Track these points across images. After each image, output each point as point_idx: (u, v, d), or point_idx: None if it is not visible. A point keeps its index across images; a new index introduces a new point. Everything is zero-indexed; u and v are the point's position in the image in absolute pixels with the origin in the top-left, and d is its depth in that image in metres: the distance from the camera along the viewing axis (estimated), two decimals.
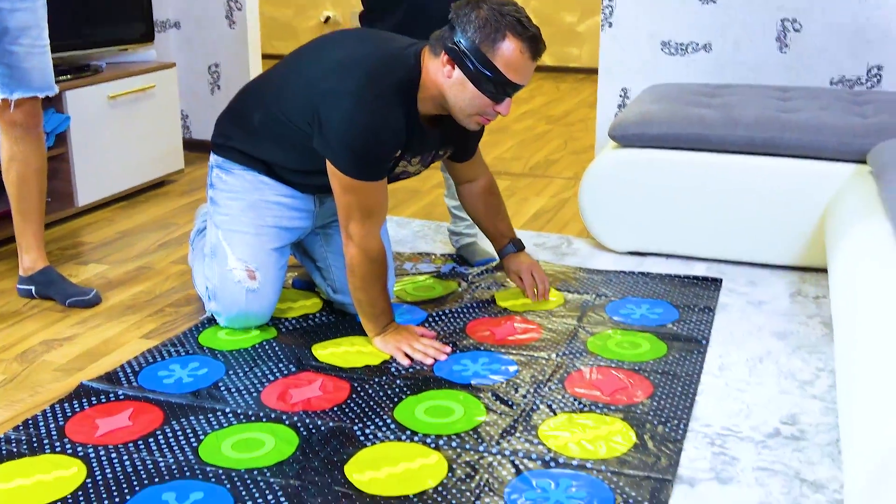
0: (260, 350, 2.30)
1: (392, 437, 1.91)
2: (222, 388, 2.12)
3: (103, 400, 2.09)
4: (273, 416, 2.00)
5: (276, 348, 2.29)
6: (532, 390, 2.11)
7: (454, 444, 1.89)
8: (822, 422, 2.00)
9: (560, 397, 2.08)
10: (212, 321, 2.48)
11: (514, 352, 2.32)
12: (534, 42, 2.05)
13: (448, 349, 2.26)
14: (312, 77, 2.20)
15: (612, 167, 2.93)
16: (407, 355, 2.22)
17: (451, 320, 2.49)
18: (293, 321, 2.45)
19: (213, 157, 2.41)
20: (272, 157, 2.30)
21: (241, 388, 2.12)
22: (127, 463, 1.83)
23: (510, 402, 2.05)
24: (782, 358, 2.29)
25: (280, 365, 2.21)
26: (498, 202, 2.57)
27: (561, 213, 3.48)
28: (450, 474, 1.78)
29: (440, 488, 1.74)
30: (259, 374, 2.18)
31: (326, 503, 1.69)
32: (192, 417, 2.00)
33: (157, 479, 1.77)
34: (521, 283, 2.53)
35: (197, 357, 2.29)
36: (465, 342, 2.36)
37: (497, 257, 2.77)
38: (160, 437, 1.93)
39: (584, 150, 4.39)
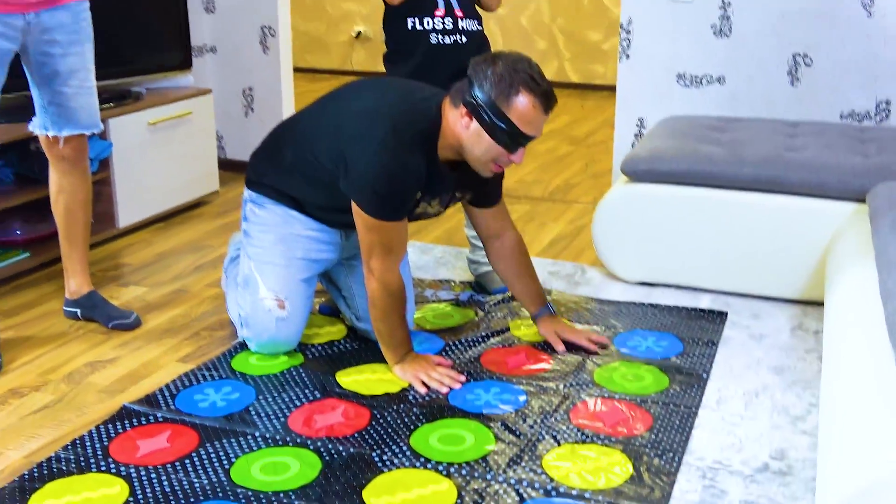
0: (288, 376, 2.40)
1: (407, 463, 2.00)
2: (252, 413, 2.21)
3: (144, 422, 2.18)
4: (299, 440, 2.09)
5: (303, 374, 2.40)
6: (539, 420, 2.18)
7: (464, 471, 1.97)
8: (808, 457, 2.03)
9: (565, 428, 2.15)
10: (244, 346, 2.57)
11: (524, 382, 2.37)
12: (546, 97, 2.15)
13: (462, 378, 2.36)
14: (341, 121, 2.31)
15: (624, 201, 2.99)
16: (424, 383, 2.32)
17: (467, 349, 2.57)
18: (319, 347, 2.56)
19: (247, 192, 2.53)
20: (302, 194, 2.41)
21: (270, 412, 2.22)
22: (165, 483, 1.92)
23: (518, 432, 2.12)
24: (777, 393, 2.32)
25: (306, 391, 2.31)
26: (527, 262, 2.58)
27: (577, 240, 3.51)
28: (458, 501, 1.86)
29: None
30: (287, 399, 2.28)
31: None
32: (224, 440, 2.10)
33: (192, 500, 1.86)
34: (559, 344, 2.53)
35: (230, 382, 2.38)
36: (479, 371, 2.43)
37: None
38: (195, 458, 2.02)
39: (604, 173, 4.38)
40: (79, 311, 2.76)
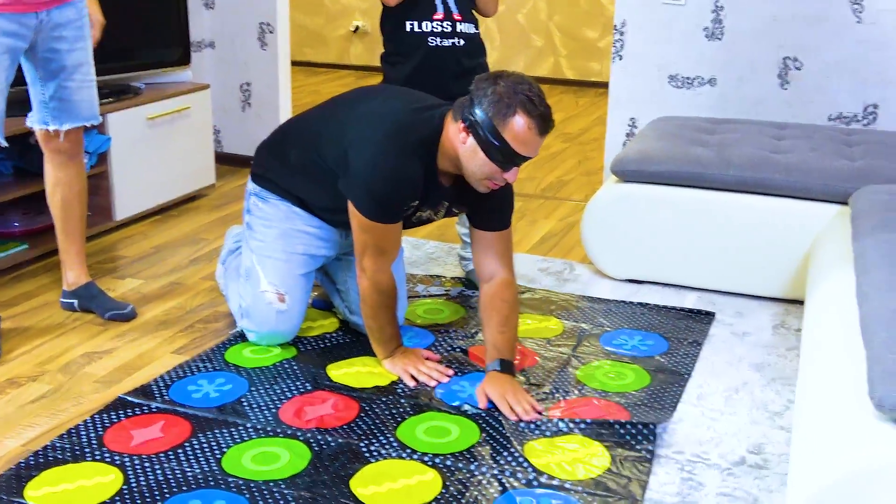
0: (280, 368, 2.44)
1: (394, 454, 2.04)
2: (244, 404, 2.25)
3: (138, 412, 2.21)
4: (289, 431, 2.13)
5: (295, 367, 2.44)
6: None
7: (448, 462, 2.01)
8: (785, 452, 2.08)
9: (547, 421, 2.18)
10: (238, 338, 2.61)
11: None
12: (542, 120, 2.14)
13: (450, 372, 2.41)
14: (346, 123, 2.35)
15: (613, 200, 3.04)
16: (413, 377, 2.37)
17: (456, 347, 2.60)
18: (312, 340, 2.60)
19: (251, 185, 2.58)
20: (304, 193, 2.46)
21: (262, 404, 2.25)
22: (158, 472, 1.96)
23: (501, 425, 2.16)
24: (757, 389, 2.37)
25: (297, 383, 2.35)
26: (508, 314, 2.36)
27: (567, 237, 3.54)
28: (443, 491, 1.91)
29: (434, 502, 1.86)
30: (278, 391, 2.32)
31: None
32: (216, 431, 2.13)
33: (185, 488, 1.90)
34: (481, 401, 2.27)
35: (223, 373, 2.42)
36: (466, 365, 2.47)
37: None
38: (188, 448, 2.05)
39: (596, 171, 4.40)
40: (76, 302, 2.79)
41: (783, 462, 2.05)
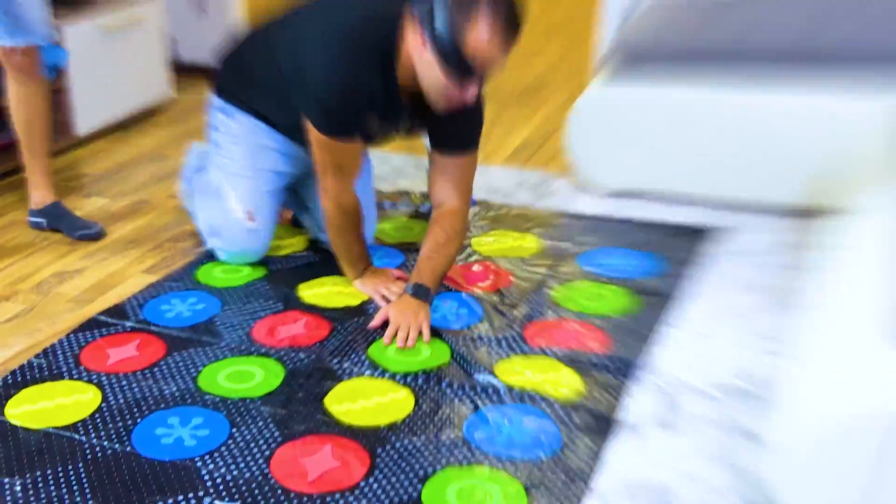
0: (251, 288, 2.47)
1: (367, 373, 2.08)
2: (217, 324, 2.28)
3: (113, 331, 2.24)
4: (262, 350, 2.17)
5: (267, 287, 2.46)
6: (494, 335, 2.24)
7: (420, 381, 2.05)
8: (775, 377, 1.94)
9: (519, 343, 2.20)
10: (208, 258, 2.62)
11: (483, 297, 2.42)
12: (509, 24, 1.93)
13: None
14: (302, 36, 2.26)
15: (604, 103, 2.86)
16: (384, 297, 2.37)
17: None
18: (282, 260, 2.61)
19: (215, 100, 2.51)
20: (268, 110, 2.43)
21: (235, 323, 2.29)
22: (136, 389, 2.01)
23: (473, 345, 2.19)
24: (753, 313, 2.30)
25: (269, 303, 2.38)
26: (447, 242, 2.34)
27: (546, 146, 3.41)
28: (416, 408, 1.95)
29: (407, 421, 1.91)
30: (250, 310, 2.35)
31: (309, 430, 1.87)
32: (191, 350, 2.17)
33: (162, 405, 1.95)
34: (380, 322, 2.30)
35: (195, 293, 2.44)
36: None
37: (472, 198, 2.90)
38: (164, 367, 2.10)
39: (583, 63, 4.03)
40: (44, 221, 2.81)
41: (773, 390, 1.92)
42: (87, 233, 2.77)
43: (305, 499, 1.71)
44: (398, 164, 3.33)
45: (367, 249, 2.48)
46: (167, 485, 1.74)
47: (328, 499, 1.71)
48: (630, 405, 1.98)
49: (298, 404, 1.98)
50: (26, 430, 1.88)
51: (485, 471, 1.79)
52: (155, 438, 1.87)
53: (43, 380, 2.05)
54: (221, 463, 1.80)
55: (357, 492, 1.73)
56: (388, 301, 2.35)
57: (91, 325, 2.28)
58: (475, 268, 2.60)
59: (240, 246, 2.53)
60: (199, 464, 1.79)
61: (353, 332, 2.28)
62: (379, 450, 1.85)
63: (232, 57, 2.51)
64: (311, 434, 1.89)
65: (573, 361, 2.15)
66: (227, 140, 2.51)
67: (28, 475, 1.75)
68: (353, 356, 2.17)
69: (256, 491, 1.73)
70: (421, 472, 1.79)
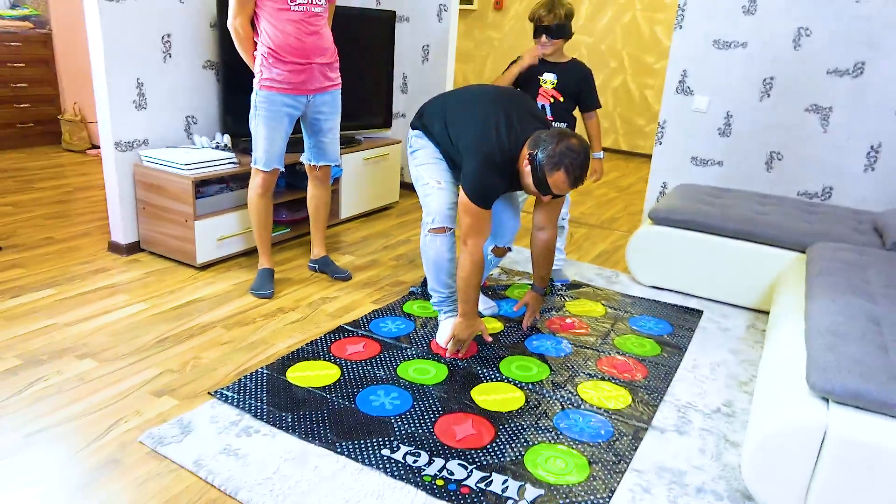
0: (434, 319, 2.48)
1: (498, 378, 2.10)
2: (411, 338, 2.33)
3: (350, 335, 2.31)
4: (436, 357, 2.21)
5: None
6: (577, 363, 2.23)
7: (529, 387, 2.06)
8: (747, 407, 2.06)
9: (592, 370, 2.20)
10: (410, 297, 2.65)
11: (571, 339, 2.41)
12: (576, 179, 1.96)
13: (472, 352, 2.23)
14: (464, 132, 2.08)
15: (647, 235, 2.95)
16: (452, 349, 2.20)
17: (539, 316, 2.57)
18: None
19: (411, 131, 2.29)
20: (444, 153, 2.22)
21: (421, 338, 2.33)
22: (360, 371, 2.08)
23: (563, 369, 2.19)
24: (732, 366, 2.31)
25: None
26: (548, 255, 2.33)
27: (615, 255, 3.46)
28: (525, 404, 1.96)
29: (519, 410, 1.92)
30: (431, 332, 2.39)
31: (460, 408, 1.90)
32: (394, 351, 2.22)
33: (375, 383, 2.01)
34: (522, 305, 2.41)
35: (400, 318, 2.48)
36: (544, 330, 2.47)
37: (569, 279, 2.91)
38: (377, 360, 2.15)
39: (637, 213, 4.32)
40: (317, 266, 2.88)
41: (745, 415, 2.02)
42: (341, 275, 2.82)
43: (453, 450, 1.73)
44: (527, 256, 3.34)
45: (478, 299, 2.21)
46: (373, 430, 1.79)
47: (467, 452, 1.72)
48: (658, 416, 1.97)
49: (455, 392, 2.01)
50: (297, 386, 1.97)
51: (564, 448, 1.78)
52: (369, 402, 1.92)
53: (308, 359, 2.13)
54: (406, 422, 1.84)
55: (485, 450, 1.74)
56: (457, 345, 2.20)
57: (339, 330, 2.35)
58: (567, 320, 2.58)
59: (440, 202, 2.19)
60: (393, 421, 1.84)
61: (492, 353, 2.28)
62: (501, 426, 1.85)
63: (421, 117, 2.27)
64: (460, 411, 1.91)
65: (625, 384, 2.12)
66: (421, 151, 2.26)
67: (295, 412, 1.84)
68: (491, 367, 2.18)
69: (424, 441, 1.75)
70: (525, 443, 1.78)
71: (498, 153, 2.03)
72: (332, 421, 1.82)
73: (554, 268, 3.00)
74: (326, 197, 2.84)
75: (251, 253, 3.05)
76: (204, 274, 2.82)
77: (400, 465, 1.66)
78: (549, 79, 2.59)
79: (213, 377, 2.02)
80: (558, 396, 2.03)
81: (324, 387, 1.98)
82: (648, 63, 6.40)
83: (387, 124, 3.96)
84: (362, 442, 1.73)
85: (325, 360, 2.14)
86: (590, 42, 6.63)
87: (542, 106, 2.64)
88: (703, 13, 3.44)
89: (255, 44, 2.44)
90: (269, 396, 1.91)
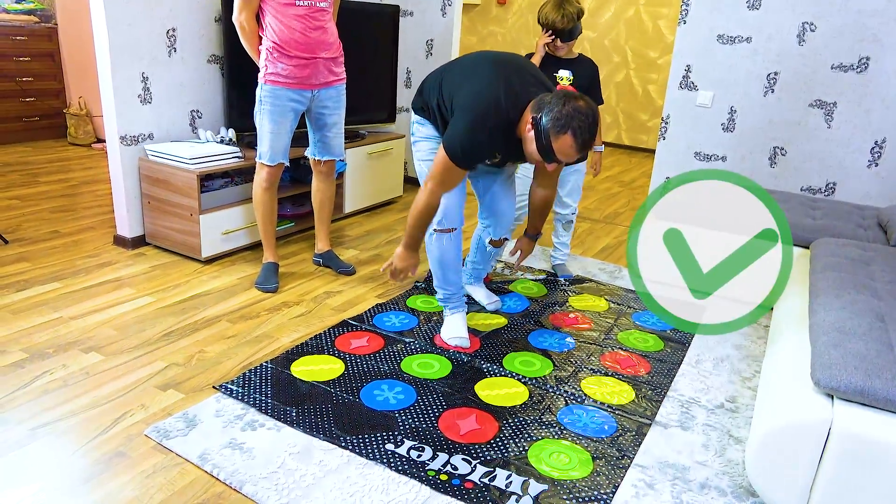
0: (438, 314, 2.48)
1: (501, 374, 2.09)
2: (415, 332, 2.32)
3: (354, 329, 2.30)
4: (439, 351, 2.20)
5: None
6: (580, 358, 2.22)
7: (532, 383, 2.05)
8: (750, 403, 2.04)
9: (596, 365, 2.19)
10: (414, 291, 2.64)
11: (574, 334, 2.40)
12: (583, 144, 1.82)
13: (408, 276, 2.19)
14: (460, 89, 1.99)
15: (647, 231, 2.92)
16: (393, 273, 2.16)
17: (542, 312, 2.58)
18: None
19: (413, 115, 2.24)
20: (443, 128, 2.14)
21: (424, 332, 2.32)
22: (364, 365, 2.07)
23: (567, 364, 2.18)
24: (735, 361, 2.30)
25: None
26: (544, 209, 2.29)
27: (618, 250, 3.44)
28: (528, 399, 1.95)
29: (523, 405, 1.92)
30: (434, 327, 2.38)
31: (463, 403, 1.89)
32: (398, 345, 2.21)
33: (379, 377, 2.00)
34: (517, 250, 2.39)
35: (404, 313, 2.47)
36: (547, 325, 2.46)
37: (572, 274, 2.89)
38: (382, 354, 2.15)
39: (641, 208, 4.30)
40: (321, 260, 2.87)
41: (749, 409, 2.01)
42: (345, 270, 2.82)
43: (457, 445, 1.72)
44: (538, 251, 3.20)
45: (420, 240, 2.13)
46: (377, 424, 1.78)
47: (471, 447, 1.72)
48: (662, 411, 1.96)
49: (458, 387, 2.00)
50: (301, 380, 1.97)
51: (568, 443, 1.77)
52: (373, 396, 1.91)
53: (313, 353, 2.13)
54: (410, 416, 1.83)
55: (488, 445, 1.73)
56: (393, 275, 2.18)
57: (343, 325, 2.34)
58: (571, 315, 2.57)
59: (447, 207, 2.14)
60: (397, 415, 1.83)
61: (496, 348, 2.27)
62: (504, 421, 1.84)
63: (421, 94, 2.20)
64: (464, 406, 1.90)
65: (629, 380, 2.11)
66: (423, 140, 2.22)
67: (300, 406, 1.84)
68: (494, 362, 2.17)
69: (428, 436, 1.75)
70: (528, 438, 1.78)
71: (493, 115, 1.90)
72: (336, 415, 1.81)
73: (557, 263, 3.00)
74: (331, 191, 2.83)
75: (256, 247, 3.04)
76: (209, 268, 2.81)
77: (404, 459, 1.66)
78: (565, 75, 2.57)
79: (219, 371, 2.02)
80: (562, 392, 2.02)
81: (328, 381, 1.97)
82: (652, 58, 6.36)
83: (391, 119, 3.93)
84: (367, 436, 1.73)
85: (329, 354, 2.14)
86: (593, 37, 6.59)
87: None
88: (708, 8, 3.41)
89: (261, 38, 2.43)
90: (274, 390, 1.91)
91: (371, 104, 3.78)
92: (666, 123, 3.64)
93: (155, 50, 2.86)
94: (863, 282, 2.06)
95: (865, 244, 2.48)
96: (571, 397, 1.99)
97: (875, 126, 3.16)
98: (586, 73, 2.63)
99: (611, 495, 1.59)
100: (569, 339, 2.37)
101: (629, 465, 1.70)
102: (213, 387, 1.93)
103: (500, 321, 2.48)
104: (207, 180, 2.88)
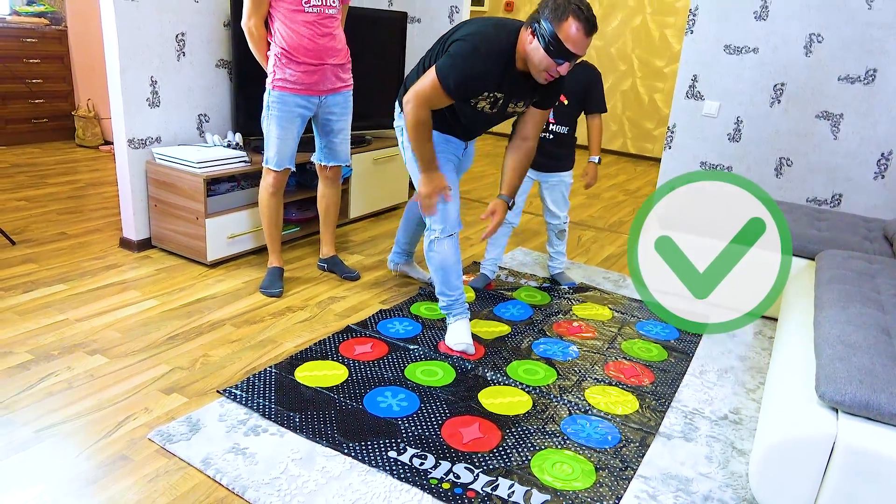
0: (441, 321, 2.47)
1: (505, 382, 2.08)
2: (419, 339, 2.32)
3: (358, 335, 2.30)
4: (443, 358, 2.19)
5: None
6: (584, 367, 2.21)
7: (536, 391, 2.04)
8: (754, 415, 2.03)
9: (599, 374, 2.18)
10: (418, 298, 2.62)
11: (577, 343, 2.39)
12: (588, 23, 1.84)
13: (447, 194, 2.14)
14: (447, 40, 2.02)
15: (648, 241, 2.91)
16: (425, 203, 2.13)
17: (545, 320, 2.57)
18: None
19: (399, 120, 2.23)
20: (435, 124, 2.19)
21: (428, 339, 2.32)
22: (368, 372, 2.06)
23: (570, 373, 2.17)
24: (740, 372, 2.29)
25: None
26: (521, 167, 2.22)
27: (622, 258, 3.43)
28: (532, 408, 1.94)
29: (526, 414, 1.91)
30: (439, 334, 2.37)
31: (467, 411, 1.88)
32: (402, 352, 2.20)
33: (382, 384, 2.00)
34: (490, 213, 2.23)
35: (408, 319, 2.47)
36: (551, 334, 2.45)
37: (575, 282, 2.89)
38: (386, 361, 2.14)
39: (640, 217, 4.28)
40: (326, 265, 2.88)
41: (753, 422, 2.00)
42: (350, 275, 2.82)
43: (460, 453, 1.72)
44: (535, 258, 3.33)
45: (434, 155, 2.09)
46: (380, 431, 1.78)
47: (473, 456, 1.71)
48: (665, 422, 1.95)
49: (462, 394, 1.99)
50: (305, 386, 1.97)
51: (570, 453, 1.76)
52: (376, 403, 1.91)
53: (317, 358, 2.13)
54: (413, 424, 1.83)
55: (491, 454, 1.73)
56: (431, 204, 2.11)
57: (347, 330, 2.34)
58: (574, 324, 2.56)
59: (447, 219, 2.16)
60: (400, 422, 1.83)
61: (499, 355, 2.26)
62: (507, 430, 1.84)
63: (405, 82, 2.20)
64: (467, 414, 1.90)
65: (632, 390, 2.10)
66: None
67: (303, 412, 1.84)
68: (498, 370, 2.16)
69: (431, 444, 1.74)
70: (531, 448, 1.77)
71: (487, 42, 1.90)
72: (339, 421, 1.81)
73: (558, 271, 2.99)
74: (336, 197, 2.84)
75: (261, 251, 3.05)
76: (214, 271, 2.82)
77: (407, 467, 1.66)
78: None
79: (222, 375, 2.02)
80: (565, 401, 2.01)
81: (332, 387, 1.97)
82: (658, 67, 6.37)
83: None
84: (369, 443, 1.73)
85: (333, 360, 2.14)
86: (600, 45, 6.60)
87: None
88: (715, 17, 3.42)
89: (269, 44, 2.44)
90: (278, 396, 1.91)
91: (377, 110, 3.79)
92: (672, 132, 3.64)
93: (164, 54, 2.88)
94: (868, 295, 2.05)
95: (871, 256, 2.48)
96: (575, 407, 1.98)
97: (882, 138, 3.15)
98: (581, 80, 2.60)
99: None
100: (572, 348, 2.37)
101: (632, 477, 1.69)
102: (217, 391, 1.93)
103: (504, 329, 2.47)
104: (214, 184, 2.89)
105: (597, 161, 2.73)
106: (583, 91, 2.62)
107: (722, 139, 3.51)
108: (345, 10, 2.62)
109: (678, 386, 2.16)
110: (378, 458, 1.68)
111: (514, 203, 2.27)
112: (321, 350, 2.19)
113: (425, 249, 2.26)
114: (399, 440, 1.75)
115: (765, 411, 1.72)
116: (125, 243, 2.99)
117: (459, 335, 2.26)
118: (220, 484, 1.56)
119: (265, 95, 2.47)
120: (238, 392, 1.92)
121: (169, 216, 2.89)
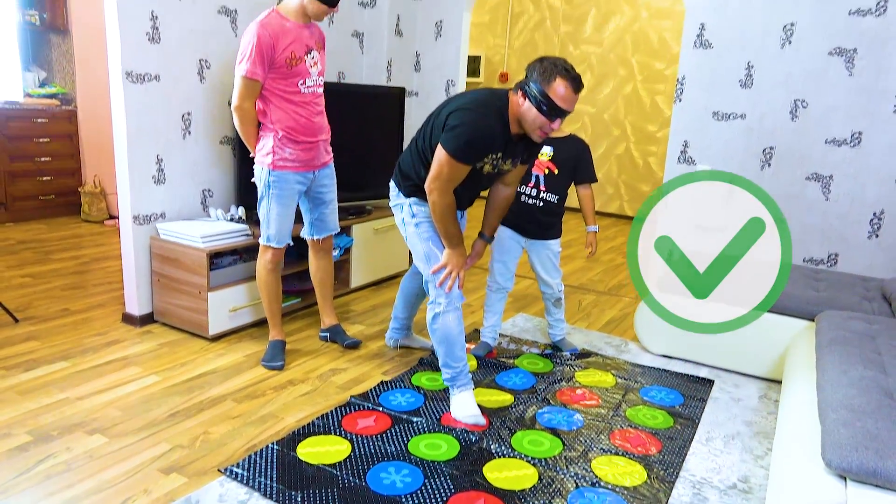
0: (444, 392, 2.46)
1: (510, 455, 2.06)
2: (421, 411, 2.30)
3: (361, 408, 2.29)
4: (447, 431, 2.17)
5: None
6: (589, 437, 2.20)
7: (542, 464, 2.01)
8: (763, 483, 2.00)
9: (606, 444, 2.16)
10: (419, 368, 2.62)
11: (582, 411, 2.38)
12: (575, 81, 1.97)
13: (468, 265, 2.26)
14: (441, 115, 2.10)
15: (654, 306, 2.95)
16: (452, 273, 2.18)
17: (548, 388, 2.56)
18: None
19: (406, 199, 2.27)
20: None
21: (431, 412, 2.30)
22: (371, 446, 2.05)
23: (576, 443, 2.15)
24: (746, 438, 2.27)
25: None
26: (502, 209, 2.37)
27: (624, 322, 3.44)
28: (539, 482, 1.91)
29: (532, 489, 1.88)
30: (441, 406, 2.35)
31: (472, 486, 1.86)
32: (405, 425, 2.19)
33: (386, 459, 1.98)
34: (474, 256, 2.38)
35: (410, 391, 2.45)
36: (554, 401, 2.44)
37: (577, 348, 2.90)
38: (389, 434, 2.13)
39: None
40: (327, 335, 2.88)
41: (762, 490, 1.97)
42: (351, 343, 2.81)
43: None
44: (536, 323, 3.33)
45: (460, 231, 2.21)
46: None
47: None
48: (674, 493, 1.93)
49: (466, 469, 1.97)
50: (307, 463, 1.95)
51: None
52: (379, 479, 1.89)
53: (319, 433, 2.12)
54: (417, 501, 1.80)
55: None
56: (458, 275, 2.20)
57: (349, 404, 2.33)
58: (578, 391, 2.55)
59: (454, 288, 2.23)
60: (403, 500, 1.80)
61: (504, 427, 2.25)
62: None
63: (405, 174, 2.27)
64: (473, 489, 1.87)
65: (640, 459, 2.07)
66: (424, 219, 2.27)
67: (305, 491, 1.81)
68: (503, 443, 2.14)
69: None
70: None
71: (485, 106, 2.02)
72: (342, 500, 1.78)
73: (559, 338, 2.99)
74: (330, 267, 2.86)
75: (262, 323, 3.06)
76: (215, 345, 2.82)
77: None
78: (544, 151, 2.71)
79: (223, 453, 2.00)
80: (572, 473, 1.99)
81: (334, 463, 1.95)
82: (650, 131, 6.56)
83: None
84: None
85: (335, 434, 2.13)
86: (593, 112, 6.81)
87: (536, 176, 2.68)
88: (702, 86, 3.55)
89: (258, 125, 2.52)
90: (279, 474, 1.89)
91: (377, 180, 3.87)
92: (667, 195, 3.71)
93: (170, 133, 2.99)
94: (870, 356, 2.05)
95: (871, 317, 2.49)
96: (582, 479, 1.96)
97: (872, 199, 3.22)
98: (571, 152, 2.69)
99: None
100: (577, 416, 2.35)
101: None
102: (218, 470, 1.91)
103: (507, 398, 2.46)
104: (216, 258, 2.94)
105: (595, 230, 2.78)
106: (573, 162, 2.70)
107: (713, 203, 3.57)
108: None
109: (685, 454, 2.14)
110: None
111: (492, 239, 2.43)
112: (324, 424, 2.18)
113: (428, 323, 2.29)
114: None
115: (773, 480, 1.70)
116: (128, 318, 3.02)
117: (467, 407, 2.25)
118: None
119: (261, 175, 2.52)
120: (239, 471, 1.90)
121: (172, 290, 2.93)
